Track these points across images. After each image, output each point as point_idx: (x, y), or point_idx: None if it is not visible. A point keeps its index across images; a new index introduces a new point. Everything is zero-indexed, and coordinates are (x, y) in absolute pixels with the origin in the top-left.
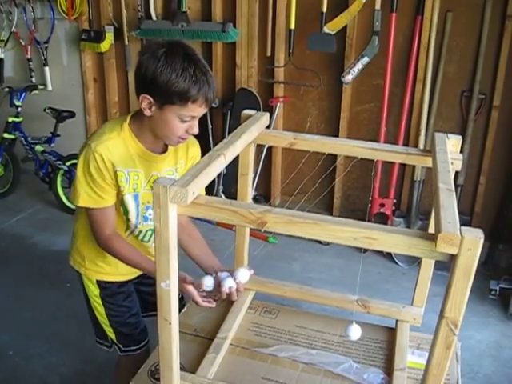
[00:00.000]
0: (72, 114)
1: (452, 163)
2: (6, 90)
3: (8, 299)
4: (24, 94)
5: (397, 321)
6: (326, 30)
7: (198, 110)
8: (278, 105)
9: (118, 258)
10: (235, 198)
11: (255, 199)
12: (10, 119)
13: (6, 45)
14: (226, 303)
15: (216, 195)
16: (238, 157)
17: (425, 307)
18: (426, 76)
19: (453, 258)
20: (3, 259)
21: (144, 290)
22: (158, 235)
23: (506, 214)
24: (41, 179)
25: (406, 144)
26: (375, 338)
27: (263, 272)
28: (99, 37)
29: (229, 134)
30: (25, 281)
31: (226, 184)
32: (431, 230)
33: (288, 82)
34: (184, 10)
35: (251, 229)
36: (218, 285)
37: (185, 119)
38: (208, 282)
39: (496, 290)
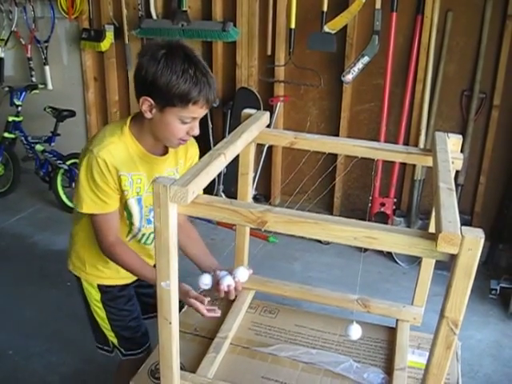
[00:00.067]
0: (72, 114)
1: (453, 162)
2: (6, 89)
3: (8, 298)
4: (24, 93)
5: (397, 320)
6: (326, 29)
7: (199, 111)
8: (279, 104)
9: (120, 266)
10: (235, 198)
11: (255, 198)
12: (11, 118)
13: (6, 44)
14: (226, 303)
15: (216, 194)
16: (238, 156)
17: (425, 307)
18: (427, 75)
19: (453, 257)
20: (3, 258)
21: (143, 292)
22: (158, 235)
23: (506, 214)
24: (41, 178)
25: (406, 143)
26: (375, 338)
27: (263, 271)
28: (99, 36)
29: (229, 133)
30: (25, 280)
31: (227, 183)
32: (431, 229)
33: (288, 81)
34: (184, 9)
35: (251, 228)
36: (216, 283)
37: (186, 121)
38: (206, 280)
39: (496, 290)
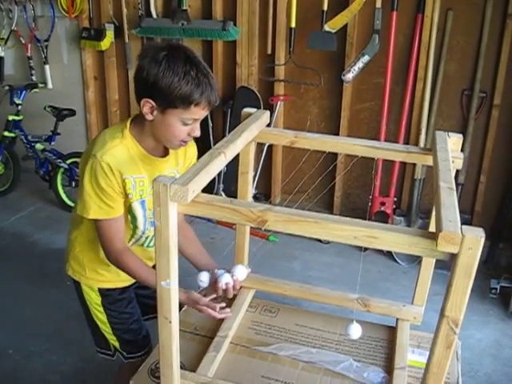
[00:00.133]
0: (72, 113)
1: (453, 162)
2: (7, 88)
3: (8, 297)
4: (24, 92)
5: (397, 319)
6: (326, 28)
7: (201, 112)
8: (279, 103)
9: (126, 273)
10: (235, 197)
11: (255, 198)
12: (11, 117)
13: (6, 43)
14: (226, 302)
15: (216, 193)
16: (238, 155)
17: (425, 306)
18: (427, 74)
19: (453, 256)
20: (3, 257)
21: (142, 293)
22: (159, 234)
23: (506, 213)
24: (41, 177)
25: (406, 142)
26: (375, 337)
27: (263, 270)
28: (99, 35)
29: (229, 132)
30: (25, 279)
31: (227, 182)
32: (432, 228)
33: (288, 80)
34: (184, 8)
35: (251, 227)
36: (214, 282)
37: (187, 122)
38: (203, 278)
39: (496, 289)
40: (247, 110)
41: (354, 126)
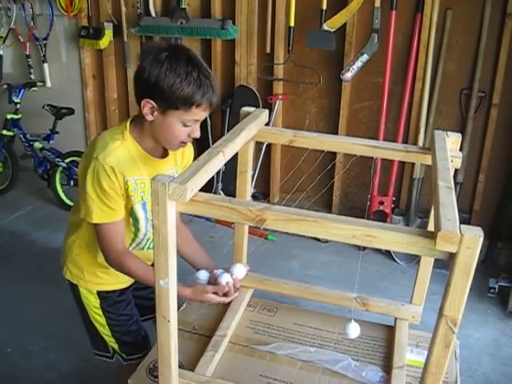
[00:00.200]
0: (71, 111)
1: (452, 161)
2: (5, 86)
3: (6, 296)
4: (23, 91)
5: (396, 319)
6: (325, 27)
7: (202, 114)
8: (278, 102)
9: (127, 274)
10: (234, 196)
11: (254, 197)
12: (9, 116)
13: (4, 41)
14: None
15: (215, 192)
16: (237, 154)
17: (424, 305)
18: (426, 74)
19: (452, 256)
20: (2, 256)
21: (139, 294)
22: (157, 233)
23: (504, 213)
24: (40, 176)
25: (405, 142)
26: (374, 336)
27: (262, 269)
28: (98, 34)
29: (228, 131)
30: (23, 278)
31: (225, 181)
32: (430, 227)
33: (287, 79)
34: (183, 6)
35: (250, 226)
36: (213, 281)
37: (188, 124)
38: (202, 276)
39: (495, 288)
40: (246, 108)
41: (353, 125)
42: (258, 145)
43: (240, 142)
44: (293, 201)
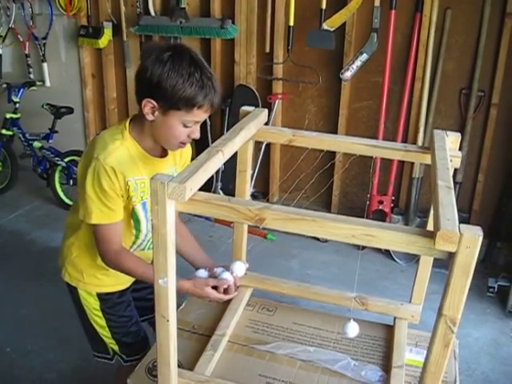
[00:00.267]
0: (70, 111)
1: (451, 160)
2: (4, 86)
3: (5, 295)
4: (22, 90)
5: (395, 318)
6: (325, 26)
7: (203, 115)
8: (277, 101)
9: (125, 272)
10: (233, 195)
11: (253, 196)
12: (8, 115)
13: (3, 41)
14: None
15: (214, 192)
16: (236, 153)
17: (423, 305)
18: (425, 73)
19: (451, 255)
20: (1, 256)
21: (137, 295)
22: (156, 232)
23: (504, 212)
24: (39, 175)
25: (404, 141)
26: (373, 336)
27: (261, 269)
28: (97, 33)
29: (227, 130)
30: (23, 277)
31: (225, 181)
32: (430, 227)
33: (287, 78)
34: (182, 6)
35: (249, 226)
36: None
37: (188, 125)
38: (201, 274)
39: (494, 288)
40: (245, 108)
41: (352, 125)
42: (258, 144)
43: (239, 141)
44: (292, 200)
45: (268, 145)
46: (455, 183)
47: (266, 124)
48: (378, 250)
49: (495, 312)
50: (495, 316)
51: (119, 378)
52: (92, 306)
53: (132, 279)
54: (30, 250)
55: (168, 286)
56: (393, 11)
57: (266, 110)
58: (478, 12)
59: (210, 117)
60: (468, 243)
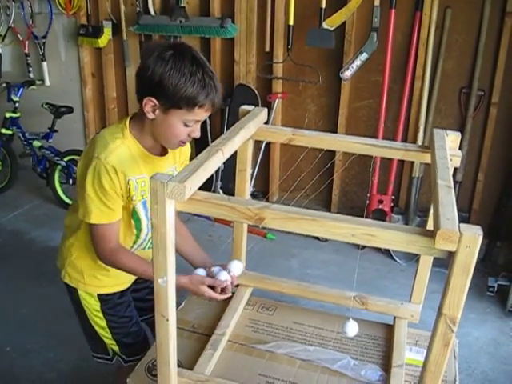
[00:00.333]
0: (70, 110)
1: (451, 160)
2: (4, 85)
3: (5, 295)
4: (22, 90)
5: (395, 317)
6: (324, 25)
7: (204, 114)
8: (277, 101)
9: (123, 270)
10: (233, 194)
11: (253, 195)
12: (8, 115)
13: (3, 40)
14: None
15: (214, 191)
16: (236, 153)
17: (423, 304)
18: (425, 72)
19: (451, 254)
20: (1, 255)
21: (136, 296)
22: (156, 231)
23: (504, 211)
24: (38, 175)
25: (404, 140)
26: (373, 335)
27: (261, 268)
28: (97, 32)
29: (227, 129)
30: (22, 276)
31: (224, 180)
32: (429, 226)
33: (286, 77)
34: (182, 5)
35: (249, 225)
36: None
37: (189, 124)
38: (199, 273)
39: (494, 287)
40: (245, 107)
41: (352, 124)
42: (257, 143)
43: (239, 140)
44: (292, 199)
45: (268, 144)
46: (455, 182)
47: (266, 123)
48: (378, 250)
49: (495, 311)
50: (495, 315)
51: (119, 377)
52: (92, 307)
53: (132, 279)
54: (30, 250)
55: (168, 285)
56: (393, 10)
57: (266, 109)
58: (478, 11)
59: (209, 116)
60: (468, 242)
